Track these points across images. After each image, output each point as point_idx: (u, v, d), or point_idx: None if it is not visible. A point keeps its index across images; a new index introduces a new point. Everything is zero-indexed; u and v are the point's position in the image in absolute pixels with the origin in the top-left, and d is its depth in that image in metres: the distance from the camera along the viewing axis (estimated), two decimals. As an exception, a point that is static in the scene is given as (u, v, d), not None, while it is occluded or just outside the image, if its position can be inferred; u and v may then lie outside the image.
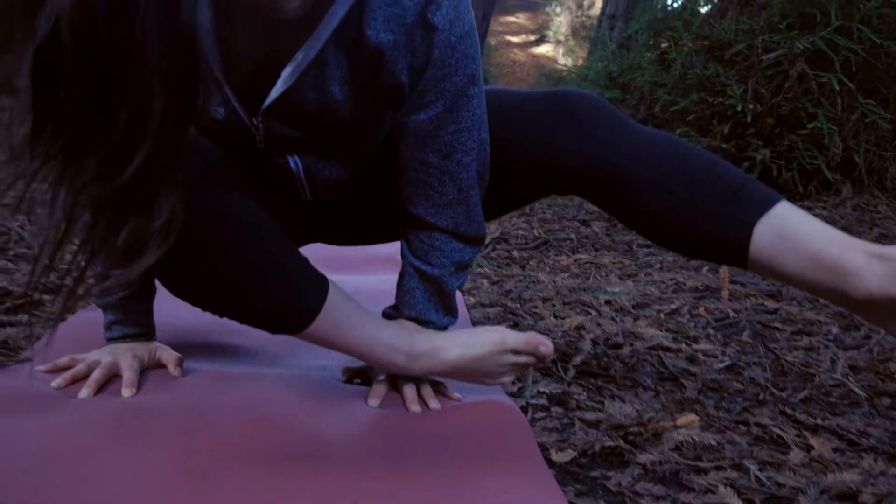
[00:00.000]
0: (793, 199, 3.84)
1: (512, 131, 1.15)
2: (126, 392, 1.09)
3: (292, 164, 1.11)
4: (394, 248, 2.58)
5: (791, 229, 1.06)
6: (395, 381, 1.18)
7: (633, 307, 1.93)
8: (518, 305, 1.90)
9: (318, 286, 1.04)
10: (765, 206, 1.07)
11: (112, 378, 1.14)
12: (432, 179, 1.11)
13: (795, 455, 1.06)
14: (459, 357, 1.11)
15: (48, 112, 0.63)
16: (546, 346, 1.09)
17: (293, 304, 1.02)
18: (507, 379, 1.15)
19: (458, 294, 1.27)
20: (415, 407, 1.12)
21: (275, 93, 0.99)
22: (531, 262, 2.59)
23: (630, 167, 1.11)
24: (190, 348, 1.33)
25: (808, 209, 3.60)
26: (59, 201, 0.66)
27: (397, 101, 1.06)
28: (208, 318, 1.44)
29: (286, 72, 0.98)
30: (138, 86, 0.61)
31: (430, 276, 1.16)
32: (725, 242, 1.10)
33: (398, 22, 0.98)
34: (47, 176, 0.65)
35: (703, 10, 4.94)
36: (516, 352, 1.11)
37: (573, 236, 3.03)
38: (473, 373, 1.13)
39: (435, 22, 0.98)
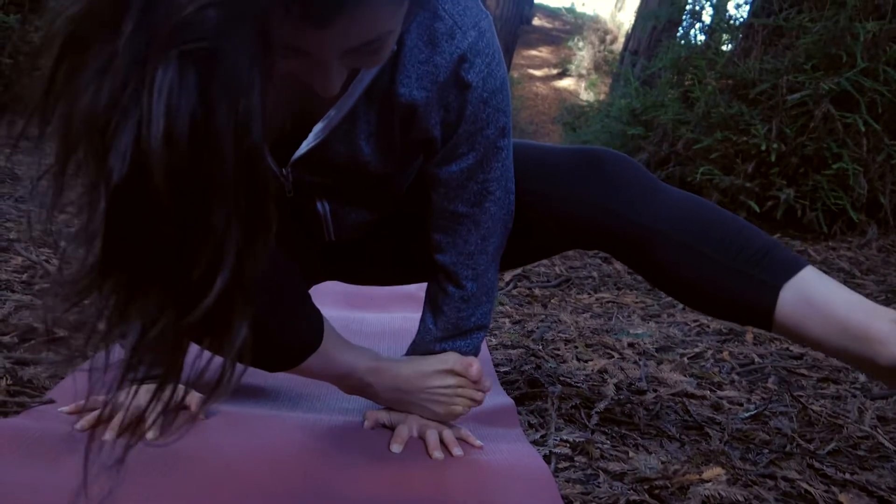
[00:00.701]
0: (817, 239, 3.81)
1: (543, 186, 1.16)
2: (150, 435, 1.09)
3: (319, 208, 1.13)
4: (416, 286, 2.59)
5: (817, 295, 1.06)
6: (419, 427, 1.18)
7: (657, 350, 1.91)
8: (540, 347, 1.89)
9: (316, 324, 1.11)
10: (791, 270, 1.08)
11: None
12: (460, 227, 1.13)
13: (824, 513, 1.04)
14: (412, 372, 1.18)
15: (122, 247, 0.59)
16: (475, 369, 1.16)
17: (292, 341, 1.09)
18: (459, 410, 1.18)
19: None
20: (438, 454, 1.11)
21: (305, 147, 1.01)
22: (553, 301, 2.58)
23: (658, 227, 1.12)
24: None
25: (833, 250, 3.58)
26: (126, 334, 0.63)
27: (428, 153, 1.09)
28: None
29: (318, 127, 1.00)
30: (219, 215, 0.58)
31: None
32: (751, 305, 1.11)
33: (431, 80, 1.00)
34: (111, 309, 0.62)
35: (727, 48, 4.95)
36: (456, 373, 1.17)
37: (595, 274, 3.02)
38: (423, 391, 1.18)
39: (469, 80, 1.00)
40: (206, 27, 0.55)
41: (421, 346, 1.23)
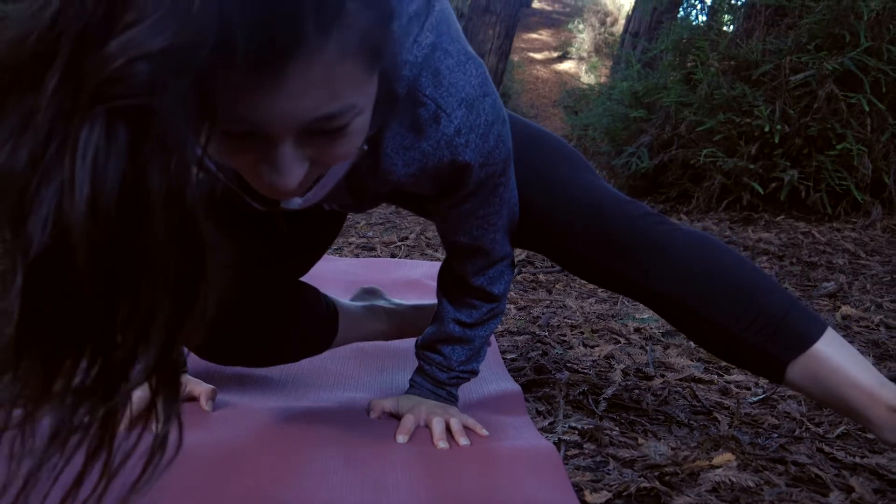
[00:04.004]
0: (821, 220, 3.80)
1: (552, 238, 1.18)
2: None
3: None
4: (417, 273, 2.58)
5: (823, 374, 1.08)
6: (425, 415, 1.17)
7: (663, 335, 1.90)
8: (546, 333, 1.88)
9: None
10: (803, 345, 1.08)
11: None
12: (465, 252, 1.15)
13: (836, 497, 1.03)
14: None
15: (39, 326, 0.54)
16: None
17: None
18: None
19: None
20: (443, 444, 1.11)
21: (285, 205, 0.96)
22: (558, 286, 2.57)
23: (668, 293, 1.13)
24: (219, 379, 1.33)
25: (837, 231, 3.56)
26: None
27: (420, 198, 1.10)
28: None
29: (297, 202, 0.95)
30: (148, 290, 0.54)
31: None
32: (760, 371, 1.15)
33: (419, 165, 0.98)
34: (28, 392, 0.56)
35: (729, 29, 4.92)
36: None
37: (599, 259, 3.00)
38: None
39: (465, 160, 0.97)
40: (138, 82, 0.50)
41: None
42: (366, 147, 0.84)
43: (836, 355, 1.07)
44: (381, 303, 1.56)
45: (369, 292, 1.66)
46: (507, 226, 1.14)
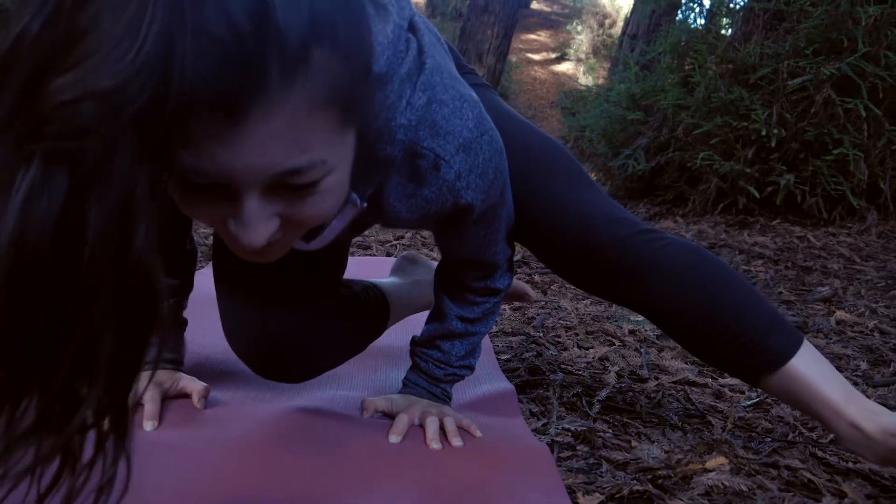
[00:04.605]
0: (816, 225, 3.81)
1: (572, 263, 1.22)
2: (148, 426, 1.08)
3: None
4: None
5: (795, 388, 1.13)
6: (419, 414, 1.17)
7: (657, 338, 1.90)
8: (541, 335, 1.88)
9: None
10: (777, 363, 1.13)
11: (134, 409, 1.13)
12: (466, 265, 1.18)
13: (828, 502, 1.03)
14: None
15: None
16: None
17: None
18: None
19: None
20: (436, 444, 1.10)
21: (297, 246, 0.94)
22: (553, 287, 2.57)
23: (656, 305, 1.18)
24: (212, 376, 1.32)
25: (833, 235, 3.57)
26: None
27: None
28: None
29: (301, 244, 0.91)
30: (84, 331, 0.53)
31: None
32: (738, 377, 1.21)
33: (422, 211, 0.99)
34: None
35: (727, 32, 4.93)
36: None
37: (595, 261, 3.01)
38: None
39: (468, 201, 0.98)
40: (78, 123, 0.49)
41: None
42: (364, 205, 0.84)
43: (808, 372, 1.12)
44: (423, 272, 1.62)
45: (410, 259, 1.71)
46: (506, 235, 1.16)
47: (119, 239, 0.51)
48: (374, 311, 1.40)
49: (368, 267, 2.58)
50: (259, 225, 0.67)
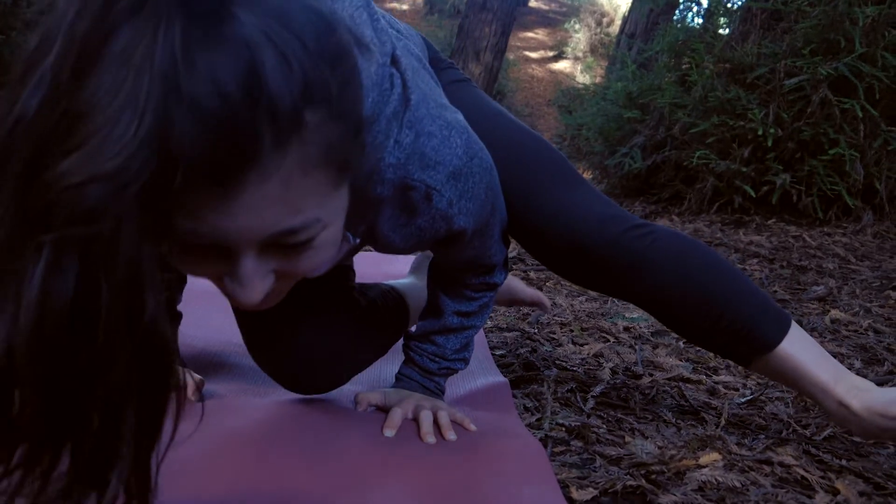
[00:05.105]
0: (812, 224, 3.81)
1: (565, 262, 1.24)
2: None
3: None
4: (407, 268, 2.56)
5: (785, 370, 1.20)
6: (413, 408, 1.17)
7: (652, 335, 1.90)
8: (535, 331, 1.88)
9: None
10: (766, 348, 1.19)
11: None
12: (462, 268, 1.19)
13: (821, 499, 1.03)
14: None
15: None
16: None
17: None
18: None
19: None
20: (430, 438, 1.10)
21: None
22: (548, 284, 2.57)
23: (645, 296, 1.22)
24: (206, 368, 1.32)
25: (828, 235, 3.57)
26: None
27: None
28: (225, 338, 1.43)
29: None
30: (107, 398, 0.53)
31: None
32: (731, 359, 1.27)
33: (417, 239, 1.00)
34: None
35: (724, 31, 4.93)
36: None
37: (590, 258, 3.01)
38: None
39: (461, 226, 0.99)
40: (91, 205, 0.49)
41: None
42: (358, 241, 0.84)
43: (797, 354, 1.18)
44: None
45: (428, 258, 1.73)
46: (501, 237, 1.17)
47: (131, 311, 0.52)
48: (392, 314, 1.39)
49: (362, 261, 2.58)
50: (255, 283, 0.68)
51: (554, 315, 2.06)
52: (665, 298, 1.21)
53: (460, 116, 0.99)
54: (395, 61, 0.90)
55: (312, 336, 1.19)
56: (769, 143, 3.84)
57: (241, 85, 0.54)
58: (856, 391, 1.14)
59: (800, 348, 1.18)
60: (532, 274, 2.69)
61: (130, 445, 0.55)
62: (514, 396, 1.35)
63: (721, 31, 4.99)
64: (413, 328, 1.26)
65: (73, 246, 0.49)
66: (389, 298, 1.40)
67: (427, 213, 0.96)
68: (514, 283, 1.71)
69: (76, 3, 0.52)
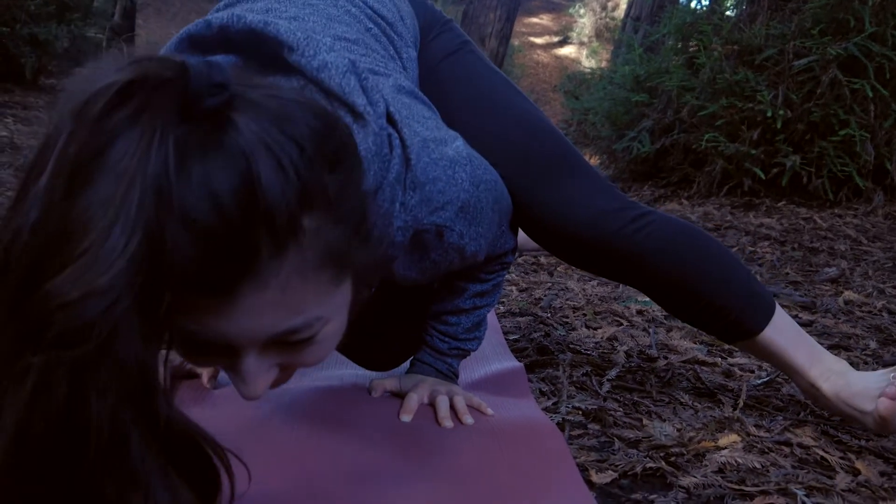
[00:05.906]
0: (822, 206, 3.79)
1: (564, 254, 1.29)
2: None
3: None
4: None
5: (766, 353, 1.27)
6: (429, 393, 1.16)
7: (665, 318, 1.90)
8: (548, 315, 1.88)
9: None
10: (750, 334, 1.25)
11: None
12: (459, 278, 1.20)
13: (842, 479, 1.03)
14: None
15: None
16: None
17: None
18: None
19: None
20: (448, 423, 1.10)
21: None
22: (559, 269, 2.57)
23: (649, 287, 1.27)
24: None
25: (839, 217, 3.56)
26: None
27: None
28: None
29: None
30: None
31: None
32: (718, 339, 1.33)
33: (432, 272, 1.02)
34: None
35: (732, 13, 4.89)
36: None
37: (600, 242, 3.00)
38: None
39: (473, 251, 1.02)
40: (85, 320, 0.48)
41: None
42: (373, 290, 0.85)
43: (777, 338, 1.25)
44: None
45: None
46: (508, 228, 1.18)
47: (146, 418, 0.53)
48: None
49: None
50: (258, 380, 0.68)
51: (566, 300, 2.05)
52: (658, 286, 1.26)
53: (460, 142, 0.99)
54: (390, 119, 0.90)
55: (396, 329, 1.25)
56: (778, 125, 3.81)
57: (236, 196, 0.54)
58: (829, 374, 1.21)
59: (781, 332, 1.25)
60: (543, 259, 2.68)
61: None
62: (530, 381, 1.35)
63: (728, 12, 4.95)
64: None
65: (62, 367, 0.49)
66: None
67: (440, 248, 0.98)
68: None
69: (69, 122, 0.51)
